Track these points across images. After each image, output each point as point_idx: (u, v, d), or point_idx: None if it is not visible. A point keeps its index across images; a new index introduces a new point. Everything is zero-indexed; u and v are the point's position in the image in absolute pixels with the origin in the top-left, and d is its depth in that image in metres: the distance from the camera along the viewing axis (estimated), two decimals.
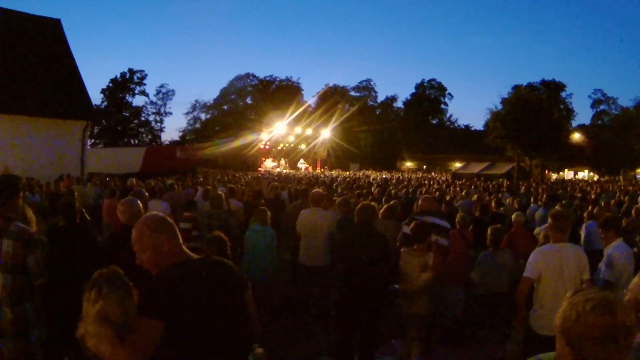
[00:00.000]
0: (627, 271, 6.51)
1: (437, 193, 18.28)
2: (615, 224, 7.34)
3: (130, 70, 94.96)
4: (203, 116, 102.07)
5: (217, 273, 3.65)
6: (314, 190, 11.53)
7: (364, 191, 17.83)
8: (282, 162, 75.73)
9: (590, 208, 13.28)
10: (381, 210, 10.21)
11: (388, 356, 8.09)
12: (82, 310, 3.18)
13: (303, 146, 77.80)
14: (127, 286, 3.27)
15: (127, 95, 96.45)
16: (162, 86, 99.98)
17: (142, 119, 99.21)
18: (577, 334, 2.37)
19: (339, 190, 18.70)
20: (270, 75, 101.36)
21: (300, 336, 9.01)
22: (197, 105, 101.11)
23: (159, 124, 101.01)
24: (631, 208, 14.47)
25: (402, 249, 7.69)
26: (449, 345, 8.90)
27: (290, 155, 78.39)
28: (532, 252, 6.47)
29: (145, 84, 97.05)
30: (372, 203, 8.94)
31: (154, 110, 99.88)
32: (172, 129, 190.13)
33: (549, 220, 6.48)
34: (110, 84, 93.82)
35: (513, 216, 11.06)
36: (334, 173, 56.14)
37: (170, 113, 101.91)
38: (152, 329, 3.21)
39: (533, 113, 57.94)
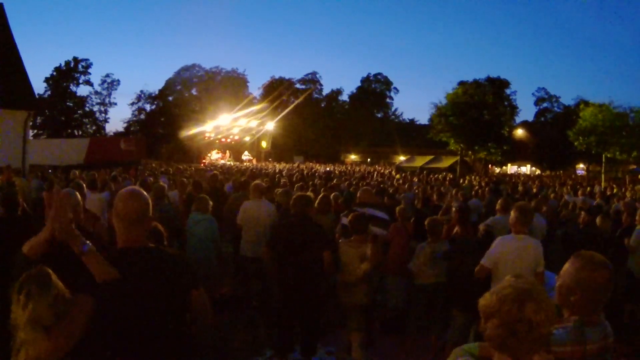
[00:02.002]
0: None
1: (376, 186, 18.43)
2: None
3: (75, 59, 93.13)
4: (148, 107, 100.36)
5: (162, 265, 3.61)
6: (254, 182, 11.49)
7: (309, 183, 17.91)
8: (227, 154, 75.40)
9: (533, 202, 13.48)
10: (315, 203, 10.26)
11: (330, 347, 8.16)
12: (12, 315, 3.11)
13: (248, 138, 77.66)
14: (58, 286, 3.19)
15: (72, 84, 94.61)
16: (107, 76, 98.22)
17: (87, 109, 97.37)
18: (486, 314, 2.54)
19: (282, 182, 18.70)
20: (217, 67, 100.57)
21: (242, 328, 8.98)
22: (142, 95, 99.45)
23: (103, 115, 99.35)
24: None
25: (340, 240, 7.74)
26: (391, 335, 9.06)
27: (235, 147, 78.12)
28: (495, 240, 6.67)
29: (90, 74, 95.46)
30: (309, 193, 8.96)
31: (98, 101, 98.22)
32: (117, 119, 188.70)
33: (513, 212, 6.67)
34: (54, 73, 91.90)
35: (454, 208, 11.17)
36: (278, 165, 56.10)
37: (115, 103, 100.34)
38: (83, 307, 3.19)
39: (477, 108, 58.60)
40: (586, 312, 3.29)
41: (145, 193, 3.77)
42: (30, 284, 3.09)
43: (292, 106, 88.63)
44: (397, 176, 32.52)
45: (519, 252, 6.33)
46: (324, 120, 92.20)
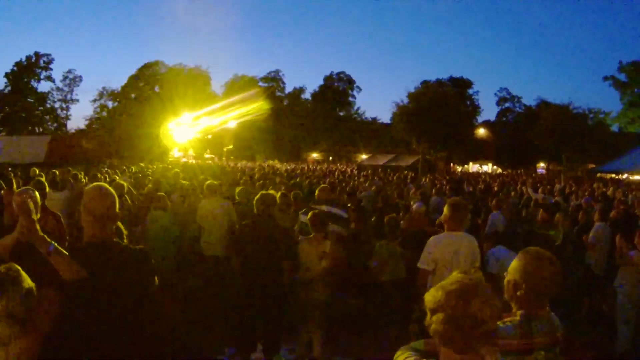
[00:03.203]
0: None
1: (337, 184, 18.54)
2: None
3: (37, 54, 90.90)
4: (110, 104, 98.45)
5: (126, 260, 3.69)
6: (207, 181, 11.54)
7: (267, 181, 17.95)
8: (190, 152, 74.78)
9: (494, 199, 13.63)
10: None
11: (292, 344, 8.14)
12: None
13: (210, 136, 77.20)
14: (27, 281, 3.18)
15: (32, 80, 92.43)
16: (69, 72, 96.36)
17: (48, 105, 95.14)
18: (431, 309, 2.57)
19: (243, 181, 18.72)
20: (180, 63, 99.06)
21: (204, 327, 8.97)
22: (105, 92, 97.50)
23: (65, 112, 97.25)
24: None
25: (299, 238, 7.79)
26: (352, 332, 9.10)
27: (198, 145, 77.62)
28: (428, 241, 6.64)
29: (51, 69, 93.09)
30: (271, 191, 9.02)
31: (60, 97, 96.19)
32: (79, 117, 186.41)
33: (447, 209, 6.57)
34: (15, 68, 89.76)
35: (413, 206, 11.29)
36: (240, 164, 55.92)
37: (77, 100, 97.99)
38: (51, 301, 3.23)
39: (439, 108, 58.90)
40: (533, 306, 3.39)
41: (112, 190, 3.86)
42: (1, 280, 3.12)
43: (255, 104, 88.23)
44: (363, 173, 32.57)
45: (455, 249, 6.31)
46: (286, 119, 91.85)
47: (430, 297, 2.61)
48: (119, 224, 5.38)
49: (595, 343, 8.98)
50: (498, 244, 8.59)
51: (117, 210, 3.79)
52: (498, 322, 3.08)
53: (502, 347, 2.99)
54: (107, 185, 3.95)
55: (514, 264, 3.53)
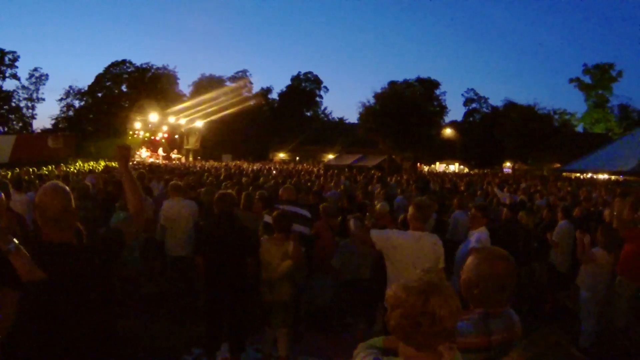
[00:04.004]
0: None
1: (303, 184, 18.58)
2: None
3: (2, 51, 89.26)
4: (77, 103, 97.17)
5: (84, 259, 3.65)
6: (172, 181, 11.51)
7: (234, 181, 17.90)
8: (159, 152, 74.12)
9: (457, 198, 13.70)
10: (240, 201, 10.32)
11: (258, 344, 8.12)
12: None
13: (177, 136, 76.83)
14: None
15: None
16: (35, 70, 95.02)
17: (13, 104, 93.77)
18: (391, 305, 2.62)
19: (208, 181, 18.66)
20: (147, 63, 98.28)
21: (170, 328, 8.95)
22: (71, 91, 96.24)
23: (30, 111, 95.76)
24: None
25: (263, 238, 7.80)
26: (317, 331, 9.14)
27: (165, 145, 77.17)
28: (393, 229, 6.71)
29: (17, 67, 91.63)
30: (230, 191, 9.02)
31: (25, 96, 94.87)
32: (45, 116, 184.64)
33: (411, 209, 6.60)
34: None
35: (378, 206, 11.34)
36: (206, 164, 55.72)
37: (43, 99, 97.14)
38: (11, 299, 3.24)
39: (405, 108, 59.13)
40: (489, 304, 3.43)
41: (66, 188, 3.81)
42: None
43: (222, 104, 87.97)
44: (329, 173, 32.56)
45: (417, 248, 6.26)
46: (253, 119, 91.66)
47: (392, 293, 2.65)
48: (79, 224, 5.36)
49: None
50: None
51: (73, 209, 3.73)
52: None
53: (460, 344, 3.01)
54: (61, 184, 3.89)
55: (469, 262, 3.57)
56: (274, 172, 35.41)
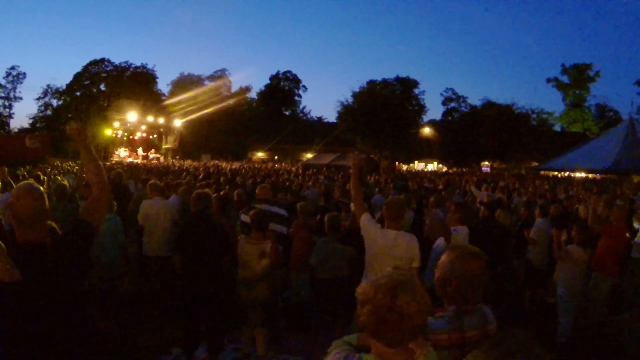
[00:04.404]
0: None
1: (281, 183, 18.62)
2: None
3: None
4: (55, 102, 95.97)
5: (59, 260, 3.60)
6: (150, 181, 11.48)
7: (211, 180, 17.90)
8: (138, 151, 73.48)
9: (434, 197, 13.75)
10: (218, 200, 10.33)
11: (236, 343, 8.15)
12: None
13: (155, 135, 76.39)
14: None
15: None
16: (12, 68, 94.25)
17: None
18: (360, 301, 2.65)
19: (186, 180, 18.64)
20: (126, 62, 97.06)
21: (149, 328, 8.93)
22: (49, 90, 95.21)
23: (7, 110, 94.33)
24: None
25: (240, 237, 7.81)
26: (296, 330, 9.17)
27: (143, 144, 76.70)
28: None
29: None
30: (207, 190, 9.03)
31: (2, 95, 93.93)
32: (22, 115, 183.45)
33: (385, 207, 6.70)
34: None
35: (352, 205, 11.40)
36: (185, 163, 55.49)
37: (21, 98, 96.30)
38: None
39: (383, 107, 59.25)
40: (463, 301, 3.46)
41: (40, 188, 3.75)
42: None
43: (200, 103, 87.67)
44: (308, 172, 32.54)
45: (390, 246, 6.33)
46: (232, 118, 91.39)
47: (361, 290, 2.69)
48: (53, 224, 5.36)
49: (537, 334, 9.18)
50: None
51: (47, 209, 3.69)
52: (430, 318, 3.20)
53: (433, 341, 3.07)
54: (35, 184, 3.83)
55: (443, 260, 3.60)
56: (252, 171, 35.30)
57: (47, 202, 3.72)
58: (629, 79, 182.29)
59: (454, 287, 3.45)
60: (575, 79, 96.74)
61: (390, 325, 2.53)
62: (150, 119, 69.42)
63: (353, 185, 6.74)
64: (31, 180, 4.78)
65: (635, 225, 11.05)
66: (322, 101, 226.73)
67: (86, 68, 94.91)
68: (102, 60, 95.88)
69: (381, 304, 2.54)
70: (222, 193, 10.74)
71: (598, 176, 44.63)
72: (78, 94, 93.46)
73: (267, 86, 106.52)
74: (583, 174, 44.70)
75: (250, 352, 7.72)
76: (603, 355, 8.73)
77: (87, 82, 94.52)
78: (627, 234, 10.55)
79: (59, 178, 17.41)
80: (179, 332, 8.13)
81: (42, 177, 16.48)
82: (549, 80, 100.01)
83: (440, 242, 7.78)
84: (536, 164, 62.25)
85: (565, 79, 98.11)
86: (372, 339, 2.66)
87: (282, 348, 8.38)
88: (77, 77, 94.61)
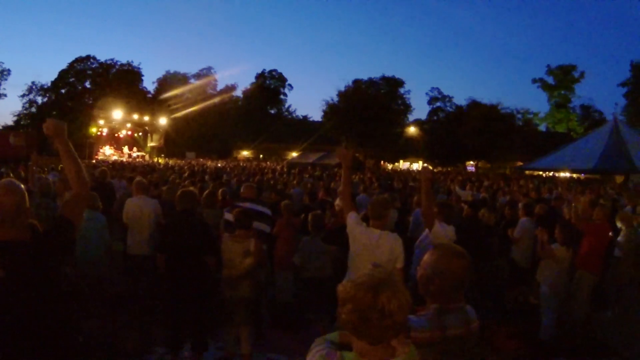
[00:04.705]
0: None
1: (266, 182, 18.64)
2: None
3: None
4: (40, 99, 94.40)
5: (40, 257, 3.58)
6: (136, 179, 11.44)
7: (197, 178, 17.89)
8: (124, 150, 73.00)
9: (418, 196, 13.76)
10: (202, 198, 10.34)
11: (220, 342, 8.12)
12: None
13: (141, 133, 76.05)
14: None
15: None
16: None
17: None
18: (341, 300, 2.64)
19: (171, 179, 18.59)
20: (112, 59, 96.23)
21: (133, 327, 8.90)
22: (34, 87, 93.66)
23: None
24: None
25: (224, 235, 7.80)
26: (280, 329, 9.16)
27: (129, 142, 76.32)
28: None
29: None
30: (192, 188, 9.01)
31: None
32: (6, 112, 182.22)
33: (369, 206, 6.68)
34: None
35: (337, 202, 11.41)
36: (170, 162, 55.37)
37: (5, 95, 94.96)
38: None
39: (369, 106, 59.40)
40: (446, 299, 3.46)
41: (20, 185, 3.74)
42: None
43: (186, 101, 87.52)
44: (293, 171, 32.53)
45: (373, 244, 6.27)
46: (217, 116, 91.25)
47: (342, 288, 2.68)
48: (34, 221, 5.31)
49: (520, 332, 9.25)
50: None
51: (27, 207, 3.66)
52: (411, 316, 3.24)
53: (414, 339, 3.06)
54: (15, 181, 3.80)
55: (426, 258, 3.60)
56: (237, 169, 35.27)
57: (27, 200, 3.70)
58: (614, 80, 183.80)
59: (437, 285, 3.45)
60: (561, 80, 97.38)
61: (372, 323, 2.53)
62: (135, 116, 69.18)
63: (344, 182, 6.73)
64: (12, 177, 4.76)
65: (619, 224, 11.14)
66: (308, 100, 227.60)
67: (71, 65, 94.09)
68: (88, 57, 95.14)
69: (362, 302, 2.54)
70: (207, 191, 10.75)
71: (582, 176, 44.94)
72: (63, 91, 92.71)
73: (252, 85, 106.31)
74: (567, 174, 44.97)
75: (235, 350, 7.67)
76: (586, 353, 8.81)
77: (72, 80, 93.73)
78: (610, 233, 10.66)
79: (43, 175, 17.25)
80: (163, 331, 8.13)
81: (22, 174, 16.42)
82: (534, 80, 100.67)
83: (424, 235, 7.82)
84: (521, 163, 62.64)
85: (550, 79, 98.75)
86: (354, 337, 2.66)
87: (267, 347, 8.38)
88: (62, 74, 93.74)
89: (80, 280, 8.88)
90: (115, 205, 12.06)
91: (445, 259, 3.49)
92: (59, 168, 27.98)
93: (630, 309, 10.22)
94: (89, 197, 4.49)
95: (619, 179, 40.03)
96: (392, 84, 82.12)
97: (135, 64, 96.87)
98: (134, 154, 69.50)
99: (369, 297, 2.54)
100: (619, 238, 11.03)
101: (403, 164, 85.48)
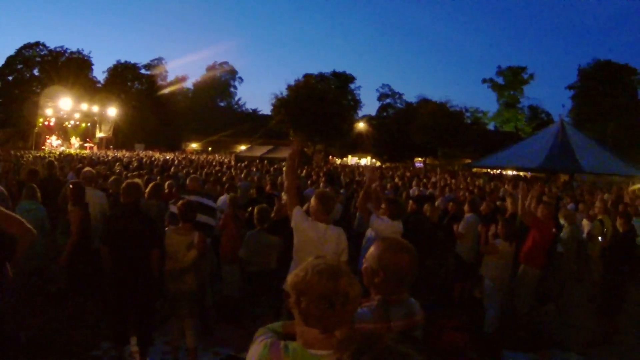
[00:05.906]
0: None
1: (213, 175, 18.59)
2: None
3: None
4: None
5: None
6: (84, 169, 11.33)
7: (144, 171, 17.81)
8: (74, 140, 71.96)
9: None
10: (147, 190, 10.25)
11: (167, 336, 8.05)
12: None
13: (89, 124, 75.25)
14: None
15: None
16: None
17: None
18: (300, 290, 2.61)
19: (118, 170, 18.45)
20: (61, 46, 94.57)
21: (78, 322, 8.76)
22: None
23: None
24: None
25: (168, 228, 7.78)
26: (227, 323, 9.11)
27: (76, 133, 75.37)
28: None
29: None
30: (137, 180, 8.95)
31: None
32: None
33: (314, 200, 6.59)
34: None
35: (283, 196, 11.49)
36: (118, 153, 54.82)
37: None
38: None
39: (319, 100, 59.57)
40: (390, 292, 3.47)
41: None
42: None
43: (136, 92, 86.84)
44: (240, 165, 32.49)
45: (319, 238, 6.28)
46: (167, 108, 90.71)
47: (298, 278, 2.64)
48: None
49: (466, 325, 9.37)
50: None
51: None
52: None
53: (359, 330, 3.05)
54: None
55: (371, 251, 3.60)
56: (184, 162, 35.06)
57: None
58: (562, 83, 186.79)
59: (382, 278, 3.46)
60: (510, 81, 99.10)
61: (335, 310, 2.53)
62: (84, 106, 68.39)
63: (287, 175, 6.70)
64: None
65: (561, 221, 11.38)
66: (258, 93, 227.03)
67: (19, 51, 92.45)
68: (37, 43, 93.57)
69: (325, 289, 2.53)
70: (153, 183, 10.71)
71: (529, 174, 45.65)
72: (10, 78, 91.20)
73: (203, 76, 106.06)
74: (514, 172, 45.66)
75: (181, 344, 7.62)
76: (529, 344, 9.01)
77: (19, 67, 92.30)
78: (554, 230, 10.88)
79: None
80: (107, 326, 8.06)
81: None
82: (484, 80, 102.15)
83: (371, 233, 7.90)
84: (469, 161, 63.27)
85: (500, 80, 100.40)
86: (304, 326, 2.63)
87: (213, 340, 8.36)
88: (10, 60, 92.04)
89: (22, 273, 8.79)
90: (60, 197, 11.92)
91: (390, 252, 3.50)
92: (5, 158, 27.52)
93: (571, 303, 10.47)
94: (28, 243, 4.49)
95: (563, 177, 40.72)
96: (343, 80, 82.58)
97: (85, 52, 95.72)
98: (76, 144, 68.51)
99: (331, 283, 2.54)
100: (562, 234, 11.29)
101: (351, 159, 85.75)
